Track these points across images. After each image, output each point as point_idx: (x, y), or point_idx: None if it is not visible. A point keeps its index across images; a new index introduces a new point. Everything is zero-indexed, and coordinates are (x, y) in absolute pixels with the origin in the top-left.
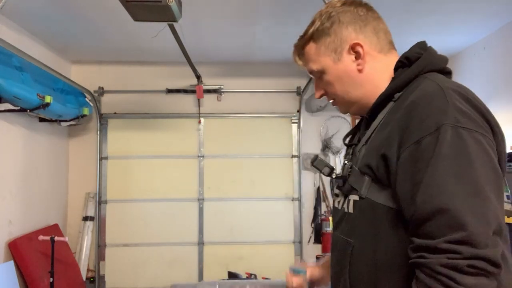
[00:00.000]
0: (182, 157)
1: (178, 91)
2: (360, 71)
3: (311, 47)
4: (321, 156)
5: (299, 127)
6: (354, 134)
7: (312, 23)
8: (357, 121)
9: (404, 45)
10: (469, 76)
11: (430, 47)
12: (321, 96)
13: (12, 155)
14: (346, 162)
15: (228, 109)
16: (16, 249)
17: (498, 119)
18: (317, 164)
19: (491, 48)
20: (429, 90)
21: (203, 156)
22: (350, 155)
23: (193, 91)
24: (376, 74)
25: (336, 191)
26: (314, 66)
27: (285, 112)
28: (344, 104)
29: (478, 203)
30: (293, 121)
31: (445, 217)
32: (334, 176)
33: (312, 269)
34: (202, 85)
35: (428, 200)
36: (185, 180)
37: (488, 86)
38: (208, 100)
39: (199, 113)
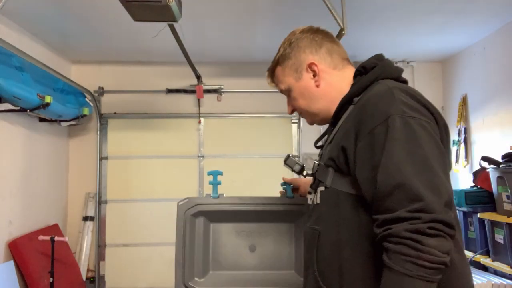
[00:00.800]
0: (182, 157)
1: (178, 91)
2: (317, 86)
3: (278, 70)
4: None
5: (299, 127)
6: (322, 138)
7: (279, 50)
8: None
9: (404, 45)
10: (469, 76)
11: (386, 59)
12: (292, 111)
13: (12, 155)
14: (315, 162)
15: (228, 109)
16: (16, 249)
17: (498, 119)
18: (289, 162)
19: (491, 48)
20: (379, 90)
21: (203, 156)
22: (319, 155)
23: (193, 91)
24: (333, 87)
25: (309, 189)
26: (282, 86)
27: (285, 112)
28: (309, 116)
29: (430, 177)
30: (293, 121)
31: (403, 191)
32: (305, 174)
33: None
34: (202, 85)
35: (386, 178)
36: (185, 180)
37: (488, 86)
38: (208, 100)
39: (199, 113)
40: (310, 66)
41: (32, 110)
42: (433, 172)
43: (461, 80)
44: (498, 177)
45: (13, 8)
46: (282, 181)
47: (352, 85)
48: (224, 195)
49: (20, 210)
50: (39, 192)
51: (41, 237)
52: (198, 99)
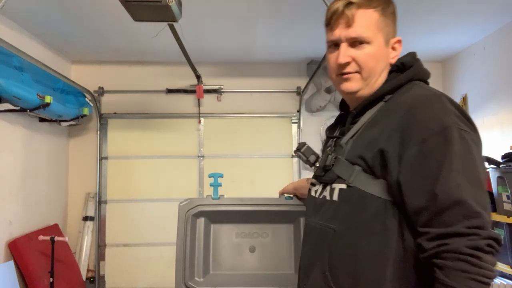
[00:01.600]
0: (182, 157)
1: (178, 91)
2: (390, 65)
3: (373, 15)
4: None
5: (299, 127)
6: (335, 128)
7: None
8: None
9: (404, 45)
10: (469, 76)
11: (419, 59)
12: (346, 63)
13: (12, 155)
14: (329, 153)
15: (228, 109)
16: (16, 249)
17: (498, 119)
18: (305, 151)
19: (491, 48)
20: (425, 95)
21: (203, 156)
22: (333, 147)
23: (193, 91)
24: (385, 74)
25: (313, 180)
26: (366, 33)
27: (285, 112)
28: (363, 81)
29: (482, 195)
30: (293, 121)
31: (463, 207)
32: (317, 165)
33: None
34: (202, 85)
35: (446, 193)
36: (185, 180)
37: (488, 86)
38: (208, 100)
39: (199, 113)
40: (399, 42)
41: (32, 110)
42: (483, 190)
43: (461, 80)
44: (498, 177)
45: (13, 8)
46: (284, 195)
47: (387, 80)
48: (225, 196)
49: (20, 210)
50: (39, 192)
51: (41, 237)
52: (198, 99)
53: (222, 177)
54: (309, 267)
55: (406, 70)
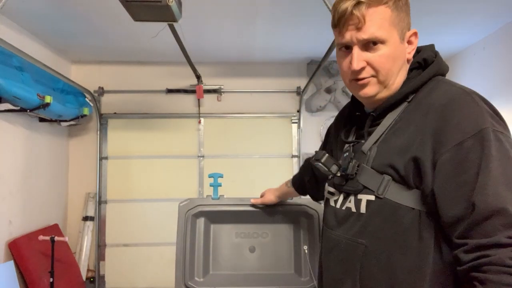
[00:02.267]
0: (182, 157)
1: (178, 91)
2: (409, 60)
3: (385, 12)
4: None
5: (299, 127)
6: (349, 130)
7: None
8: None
9: None
10: (469, 76)
11: (438, 52)
12: (361, 68)
13: (12, 155)
14: (349, 161)
15: (228, 109)
16: (16, 249)
17: None
18: (326, 162)
19: (491, 48)
20: (456, 94)
21: (203, 156)
22: (352, 152)
23: (193, 91)
24: (404, 72)
25: (330, 189)
26: (381, 33)
27: (285, 112)
28: (380, 85)
29: None
30: (293, 121)
31: (503, 216)
32: (339, 175)
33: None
34: (202, 85)
35: (485, 201)
36: (185, 180)
37: (488, 86)
38: (208, 100)
39: (199, 113)
40: (414, 35)
41: (32, 110)
42: None
43: (461, 80)
44: None
45: (13, 8)
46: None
47: (408, 79)
48: (225, 196)
49: (20, 210)
50: (39, 192)
51: (41, 237)
52: (198, 99)
53: (222, 177)
54: (337, 284)
55: (428, 66)
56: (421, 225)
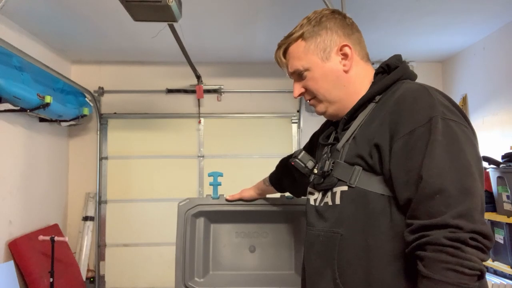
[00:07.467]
0: (182, 157)
1: (178, 91)
2: (346, 72)
3: (299, 45)
4: None
5: (299, 127)
6: (329, 135)
7: (301, 25)
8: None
9: (404, 45)
10: (469, 76)
11: (404, 61)
12: (300, 94)
13: (12, 155)
14: (326, 159)
15: (228, 109)
16: (16, 249)
17: (498, 119)
18: (303, 158)
19: (491, 48)
20: (414, 88)
21: (203, 156)
22: (329, 153)
23: (193, 91)
24: (358, 78)
25: (310, 189)
26: (300, 64)
27: (285, 112)
28: (323, 103)
29: (471, 184)
30: (293, 121)
31: (444, 197)
32: (316, 172)
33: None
34: (202, 85)
35: (427, 182)
36: (185, 180)
37: (488, 86)
38: (208, 100)
39: (199, 113)
40: (342, 48)
41: (32, 110)
42: (473, 179)
43: (461, 80)
44: (498, 177)
45: (13, 8)
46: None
47: (373, 83)
48: (225, 196)
49: (20, 210)
50: (39, 192)
51: (41, 237)
52: (198, 99)
53: (222, 176)
54: (316, 278)
55: (392, 71)
56: (391, 209)
